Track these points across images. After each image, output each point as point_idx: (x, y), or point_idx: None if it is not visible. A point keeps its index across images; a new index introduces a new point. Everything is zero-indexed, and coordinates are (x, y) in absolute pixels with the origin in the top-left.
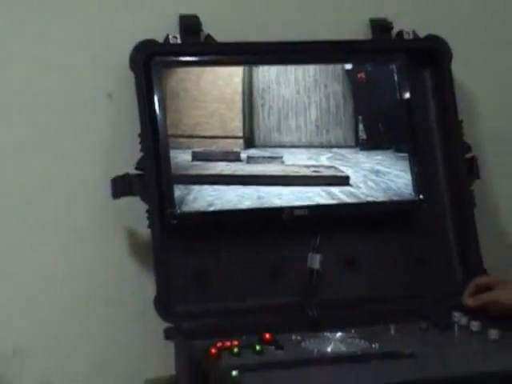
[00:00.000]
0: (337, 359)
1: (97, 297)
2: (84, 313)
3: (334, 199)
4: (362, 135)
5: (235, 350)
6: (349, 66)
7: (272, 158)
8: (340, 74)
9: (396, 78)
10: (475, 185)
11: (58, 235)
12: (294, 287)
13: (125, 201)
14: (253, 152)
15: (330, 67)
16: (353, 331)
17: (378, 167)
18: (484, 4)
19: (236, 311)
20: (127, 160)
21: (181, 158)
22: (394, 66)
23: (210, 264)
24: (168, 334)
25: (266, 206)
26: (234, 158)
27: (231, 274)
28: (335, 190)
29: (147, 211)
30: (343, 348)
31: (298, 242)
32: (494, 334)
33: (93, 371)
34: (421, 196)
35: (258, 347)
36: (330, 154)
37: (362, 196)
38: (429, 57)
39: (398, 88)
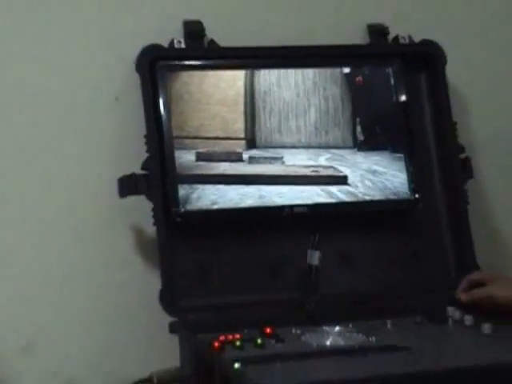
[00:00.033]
0: (335, 352)
1: (104, 292)
2: (92, 308)
3: (332, 198)
4: (360, 136)
5: (237, 343)
6: (347, 70)
7: (273, 159)
8: (338, 78)
9: (392, 82)
10: (469, 184)
11: (66, 233)
12: (293, 283)
13: (131, 200)
14: (254, 153)
15: (329, 71)
16: (350, 325)
17: (375, 167)
18: (477, 10)
19: (238, 306)
20: (133, 160)
21: (185, 158)
22: (390, 70)
23: (213, 260)
24: (173, 328)
25: (266, 204)
26: (237, 158)
27: (234, 270)
28: (334, 189)
29: (153, 210)
30: (341, 341)
31: (297, 240)
32: (486, 328)
33: (100, 364)
34: (416, 195)
35: (259, 340)
36: (328, 155)
37: (359, 195)
38: (424, 61)
39: (395, 91)
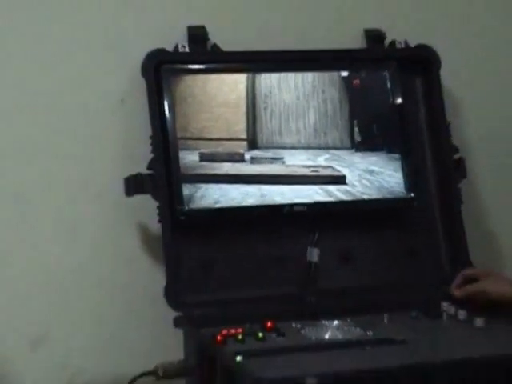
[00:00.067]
0: (333, 345)
1: (111, 287)
2: (99, 303)
3: (331, 197)
4: (357, 137)
5: (239, 336)
6: (345, 73)
7: (274, 159)
8: (337, 81)
9: (389, 85)
10: (462, 183)
11: (75, 230)
12: (294, 279)
13: (137, 198)
14: (256, 153)
15: (328, 74)
16: (348, 320)
17: (372, 167)
18: (471, 17)
19: (240, 301)
20: (139, 161)
21: (189, 158)
22: (386, 73)
23: (216, 257)
24: (177, 323)
25: (268, 203)
26: (239, 158)
27: (236, 266)
28: (332, 188)
29: (158, 208)
30: (339, 335)
31: (297, 237)
32: (479, 322)
33: (107, 357)
34: (412, 194)
35: (260, 334)
36: (327, 155)
37: (357, 194)
38: (419, 65)
39: (391, 94)
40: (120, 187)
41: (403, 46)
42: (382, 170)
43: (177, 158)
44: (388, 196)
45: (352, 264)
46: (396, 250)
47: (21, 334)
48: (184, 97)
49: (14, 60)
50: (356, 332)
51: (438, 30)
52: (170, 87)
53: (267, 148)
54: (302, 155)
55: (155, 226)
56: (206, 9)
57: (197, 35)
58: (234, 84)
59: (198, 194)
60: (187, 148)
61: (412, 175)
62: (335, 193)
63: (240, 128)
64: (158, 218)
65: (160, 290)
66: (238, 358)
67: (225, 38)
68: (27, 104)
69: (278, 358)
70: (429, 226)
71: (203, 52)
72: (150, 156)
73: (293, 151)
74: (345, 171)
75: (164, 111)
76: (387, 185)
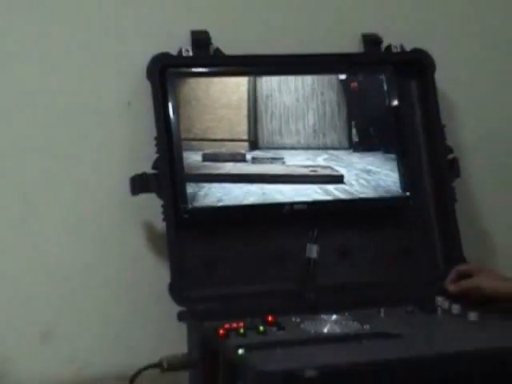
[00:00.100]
0: (332, 339)
1: (118, 283)
2: (106, 298)
3: (329, 196)
4: (355, 138)
5: (241, 330)
6: (343, 76)
7: (274, 159)
8: (335, 84)
9: (385, 87)
10: (456, 183)
11: (83, 228)
12: (293, 274)
13: (142, 197)
14: (257, 153)
15: (326, 77)
16: (346, 314)
17: (369, 167)
18: (465, 22)
19: (242, 296)
20: (145, 161)
21: (192, 158)
22: (383, 77)
23: (218, 254)
24: (181, 317)
25: (268, 201)
26: (240, 158)
27: (238, 262)
28: (331, 187)
29: (162, 206)
30: (338, 329)
31: (297, 234)
32: (472, 316)
33: (114, 350)
34: (407, 193)
35: (261, 328)
36: (326, 155)
37: (354, 193)
38: (415, 68)
39: (387, 96)
40: (126, 186)
41: (399, 50)
42: (378, 169)
43: (181, 158)
44: (384, 195)
45: (350, 260)
46: (392, 247)
47: (30, 329)
48: (188, 99)
49: (24, 64)
50: (353, 326)
51: (433, 34)
52: (174, 90)
53: (268, 148)
54: (301, 155)
55: (160, 224)
56: (209, 14)
57: (200, 40)
58: (236, 87)
59: (202, 193)
60: (191, 148)
61: (408, 175)
62: (333, 192)
63: (242, 129)
64: (162, 216)
65: (164, 286)
66: (240, 351)
67: (227, 43)
68: (38, 106)
69: (279, 351)
70: (424, 224)
71: (206, 56)
72: (155, 156)
73: (293, 151)
74: (343, 171)
75: (169, 113)
76: (384, 184)
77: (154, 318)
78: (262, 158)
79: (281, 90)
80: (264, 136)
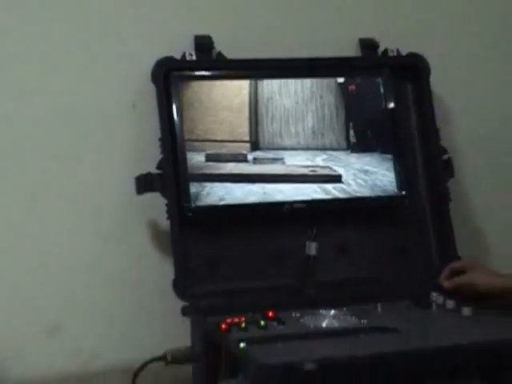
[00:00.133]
0: (330, 333)
1: (124, 280)
2: (112, 293)
3: (328, 195)
4: (353, 139)
5: (243, 325)
6: (341, 80)
7: (274, 159)
8: (333, 87)
9: (382, 90)
10: (450, 182)
11: (91, 226)
12: (293, 271)
13: (147, 196)
14: (258, 154)
15: (325, 80)
16: (344, 309)
17: (367, 167)
18: (459, 27)
19: (243, 291)
20: (149, 161)
21: (195, 159)
22: (380, 80)
23: (221, 251)
24: (185, 312)
25: (269, 200)
26: (242, 159)
27: (239, 259)
28: (329, 186)
29: (166, 205)
30: (336, 323)
31: (297, 232)
32: (466, 311)
33: (119, 344)
34: (403, 192)
35: (262, 323)
36: (324, 156)
37: (352, 192)
38: (410, 72)
39: (384, 99)
40: (131, 186)
41: (395, 54)
42: (375, 169)
43: (184, 158)
44: (381, 194)
45: (348, 257)
46: (389, 245)
47: (37, 324)
48: (191, 102)
49: (33, 67)
50: (351, 321)
51: (428, 39)
52: (178, 93)
53: (268, 149)
54: (301, 156)
55: (164, 223)
56: (212, 19)
57: (203, 44)
58: (237, 90)
59: (204, 192)
60: (194, 149)
61: (404, 175)
62: (332, 191)
63: (243, 131)
64: (166, 214)
65: (169, 282)
66: (242, 345)
67: (229, 47)
68: (47, 107)
69: (279, 345)
70: (419, 222)
71: (209, 60)
72: (160, 157)
73: (292, 152)
74: (341, 171)
75: (172, 115)
76: (380, 183)
77: (158, 312)
78: (263, 159)
79: (281, 92)
80: (265, 137)
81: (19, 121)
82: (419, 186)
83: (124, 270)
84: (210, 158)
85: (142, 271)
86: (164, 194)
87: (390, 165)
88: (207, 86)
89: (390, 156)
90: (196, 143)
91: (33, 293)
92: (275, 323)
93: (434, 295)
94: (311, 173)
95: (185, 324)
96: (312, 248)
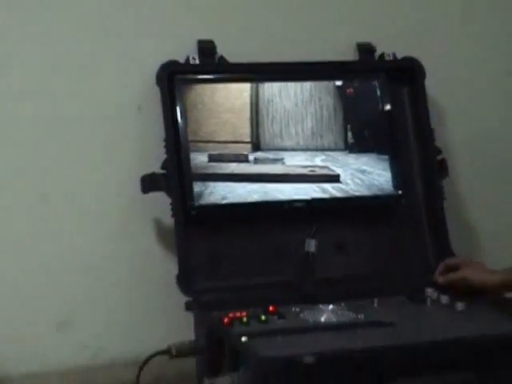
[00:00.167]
0: (329, 327)
1: (130, 275)
2: (118, 289)
3: (327, 194)
4: (350, 140)
5: (244, 319)
6: (339, 83)
7: (275, 160)
8: (332, 89)
9: (378, 93)
10: (445, 182)
11: (99, 224)
12: (293, 267)
13: (152, 195)
14: (259, 154)
15: (324, 83)
16: (342, 304)
17: (364, 167)
18: (453, 31)
19: (245, 287)
20: (154, 161)
21: (199, 159)
22: (376, 83)
23: (223, 248)
24: (188, 307)
25: (270, 199)
26: (243, 159)
27: (241, 256)
28: (328, 186)
29: (171, 204)
30: (334, 318)
31: (296, 230)
32: (460, 306)
33: (125, 338)
34: (399, 191)
35: (263, 317)
36: (323, 156)
37: (350, 191)
38: (406, 75)
39: (380, 101)
40: (137, 185)
41: (391, 58)
42: (372, 169)
43: (188, 158)
44: (378, 193)
45: (346, 254)
46: (385, 242)
47: (47, 318)
48: (195, 104)
49: (43, 70)
50: (349, 315)
51: (423, 43)
52: (182, 95)
53: (269, 150)
54: (300, 156)
55: (168, 221)
56: (214, 24)
57: (206, 48)
58: (239, 92)
59: (207, 191)
60: (197, 150)
61: (400, 174)
62: (330, 190)
63: (245, 132)
64: (171, 213)
65: (173, 278)
66: (243, 339)
67: (231, 51)
68: (58, 111)
69: (279, 339)
70: (415, 220)
71: (212, 64)
72: (164, 157)
73: (292, 153)
74: (339, 171)
75: (177, 117)
76: (377, 183)
77: (163, 308)
78: (264, 159)
79: (281, 95)
80: (265, 138)
81: (28, 123)
82: (415, 185)
83: (130, 266)
84: (212, 158)
85: (147, 268)
86: (168, 193)
87: (386, 165)
88: (210, 89)
89: (386, 156)
90: (199, 144)
91: (42, 289)
92: (275, 318)
93: (429, 291)
94: (310, 173)
95: (188, 319)
96: (311, 245)
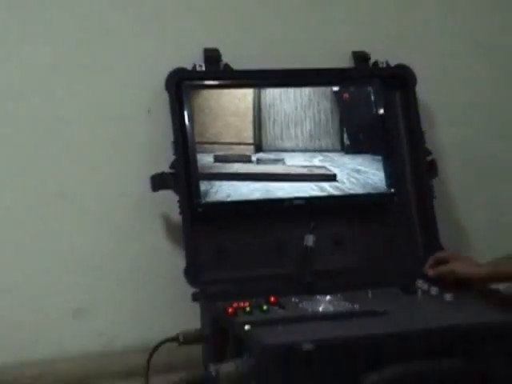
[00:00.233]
0: (326, 317)
1: (141, 268)
2: (130, 281)
3: (324, 192)
4: (346, 142)
5: (247, 309)
6: (336, 88)
7: (276, 160)
8: (329, 95)
9: (373, 98)
10: (435, 181)
11: (111, 221)
12: (293, 261)
13: (161, 193)
14: (261, 155)
15: (321, 89)
16: (339, 295)
17: (359, 167)
18: (443, 40)
19: (248, 279)
20: (163, 161)
21: (205, 159)
22: (371, 89)
23: (227, 242)
24: (195, 297)
25: (271, 197)
26: (247, 160)
27: (244, 250)
28: (325, 185)
29: (179, 202)
30: (331, 308)
31: (296, 226)
32: (448, 297)
33: (137, 326)
34: (392, 190)
35: (265, 307)
36: (321, 157)
37: (346, 190)
38: (398, 82)
39: (374, 106)
40: (147, 184)
41: (385, 65)
42: (367, 169)
43: (195, 159)
44: (372, 191)
45: (342, 249)
46: (379, 237)
47: (64, 307)
48: (201, 108)
49: (59, 75)
50: (345, 305)
51: (414, 52)
52: (189, 100)
53: (270, 151)
54: (299, 157)
55: (176, 217)
56: (219, 34)
57: (211, 56)
58: (242, 97)
59: (213, 190)
60: (204, 151)
61: (392, 174)
62: (328, 189)
63: (248, 134)
64: (179, 210)
65: (181, 271)
66: (246, 327)
67: (235, 59)
68: (74, 114)
69: (280, 327)
70: (406, 217)
71: (217, 70)
72: (173, 157)
73: (292, 153)
74: (336, 170)
75: (184, 120)
76: (371, 182)
77: (171, 298)
78: (266, 159)
79: (282, 99)
80: (267, 140)
81: (46, 125)
82: (406, 184)
83: (141, 261)
84: (218, 158)
85: (157, 261)
86: (176, 192)
87: (380, 165)
88: (215, 94)
89: (380, 157)
90: (205, 145)
91: (60, 280)
92: (277, 308)
93: (420, 282)
94: (309, 172)
95: (195, 308)
96: (310, 240)
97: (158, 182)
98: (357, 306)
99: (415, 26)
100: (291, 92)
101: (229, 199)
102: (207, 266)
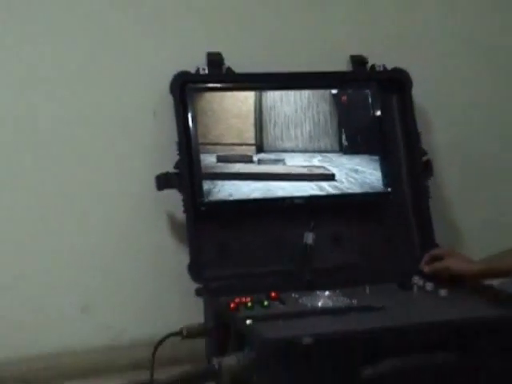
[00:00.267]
0: (325, 311)
1: (146, 265)
2: (136, 277)
3: (323, 191)
4: (345, 143)
5: (249, 304)
6: (334, 91)
7: (276, 160)
8: (328, 97)
9: (370, 101)
10: (430, 181)
11: (117, 219)
12: (293, 257)
13: (166, 193)
14: (262, 156)
15: (321, 92)
16: (337, 291)
17: (357, 167)
18: (438, 45)
19: (249, 275)
20: (168, 162)
21: (208, 160)
22: (368, 92)
23: (230, 240)
24: (198, 293)
25: (272, 196)
26: (248, 160)
27: (246, 247)
28: (324, 184)
29: (183, 200)
30: (330, 303)
31: (296, 224)
32: (443, 292)
33: (143, 320)
34: (389, 189)
35: (266, 302)
36: (320, 157)
37: (344, 189)
38: (395, 85)
39: (372, 108)
40: (152, 183)
41: (382, 69)
42: (364, 169)
43: (198, 159)
44: (369, 191)
45: (341, 246)
46: (376, 235)
47: (72, 302)
48: (204, 110)
49: (67, 78)
50: (344, 300)
51: (410, 56)
52: (193, 102)
53: (271, 151)
54: (299, 157)
55: (180, 216)
56: (222, 39)
57: (214, 60)
58: (244, 99)
59: (216, 189)
60: (207, 151)
61: (389, 174)
62: (327, 188)
63: (249, 135)
64: (183, 208)
65: (184, 267)
66: (248, 322)
67: (237, 63)
68: (81, 116)
69: (280, 322)
70: (403, 216)
71: (220, 74)
72: (177, 158)
73: (292, 154)
74: (334, 170)
75: (188, 122)
76: (369, 181)
77: (176, 294)
78: (267, 160)
79: (282, 102)
80: (268, 141)
81: (60, 130)
82: (403, 183)
83: (146, 258)
84: (220, 159)
85: (162, 259)
86: (180, 191)
87: (377, 165)
88: (218, 97)
89: (377, 157)
90: (208, 146)
91: (68, 276)
92: (277, 303)
93: (416, 278)
94: (308, 172)
95: (198, 303)
96: (309, 238)
97: (163, 181)
98: (355, 302)
99: (415, 26)
100: (291, 94)
101: (231, 198)
102: (210, 263)
